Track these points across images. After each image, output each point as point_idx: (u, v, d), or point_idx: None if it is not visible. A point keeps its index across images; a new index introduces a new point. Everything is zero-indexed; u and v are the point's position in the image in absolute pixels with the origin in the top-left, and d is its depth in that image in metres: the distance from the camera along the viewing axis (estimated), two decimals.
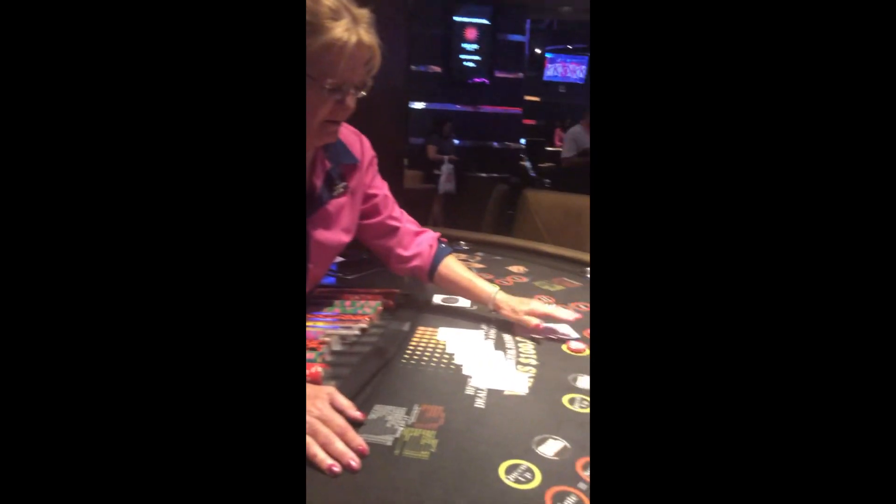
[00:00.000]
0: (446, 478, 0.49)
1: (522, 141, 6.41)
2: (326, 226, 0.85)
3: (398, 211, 1.00)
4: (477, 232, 1.66)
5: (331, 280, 1.15)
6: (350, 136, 0.90)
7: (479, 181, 4.29)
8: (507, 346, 0.81)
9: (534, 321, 0.85)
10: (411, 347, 0.79)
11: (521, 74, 6.31)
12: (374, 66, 0.72)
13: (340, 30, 0.65)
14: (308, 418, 0.54)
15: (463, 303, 1.01)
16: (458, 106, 5.81)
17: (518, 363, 0.75)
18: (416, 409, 0.61)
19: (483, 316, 0.94)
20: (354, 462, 0.50)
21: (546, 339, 0.85)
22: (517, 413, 0.62)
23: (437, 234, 1.01)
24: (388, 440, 0.55)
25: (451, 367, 0.74)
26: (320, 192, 0.82)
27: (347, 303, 0.93)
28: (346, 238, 0.89)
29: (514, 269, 1.29)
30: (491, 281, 0.95)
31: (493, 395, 0.66)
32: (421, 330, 0.86)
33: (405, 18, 2.09)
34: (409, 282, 1.14)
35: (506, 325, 0.89)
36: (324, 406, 0.56)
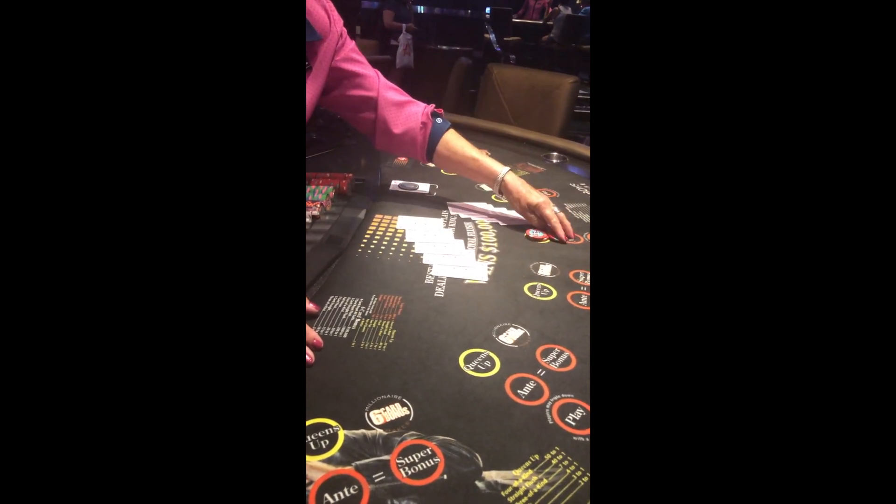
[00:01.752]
0: (405, 368, 0.48)
1: (487, 10, 5.84)
2: None
3: (380, 80, 0.85)
4: None
5: None
6: (314, 6, 0.75)
7: (440, 54, 3.97)
8: (467, 234, 0.79)
9: (534, 221, 0.82)
10: (367, 236, 0.75)
11: None
12: None
13: None
14: None
15: (422, 189, 0.96)
16: None
17: (479, 251, 0.73)
18: (373, 300, 0.59)
19: (443, 203, 0.89)
20: (309, 356, 0.48)
21: (510, 227, 0.82)
22: (477, 302, 0.61)
23: (431, 107, 0.87)
24: (344, 332, 0.53)
25: (410, 256, 0.71)
26: None
27: None
28: None
29: None
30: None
31: (453, 283, 0.64)
32: (378, 218, 0.81)
33: None
34: (364, 165, 1.06)
35: (467, 213, 0.86)
36: None
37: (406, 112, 0.85)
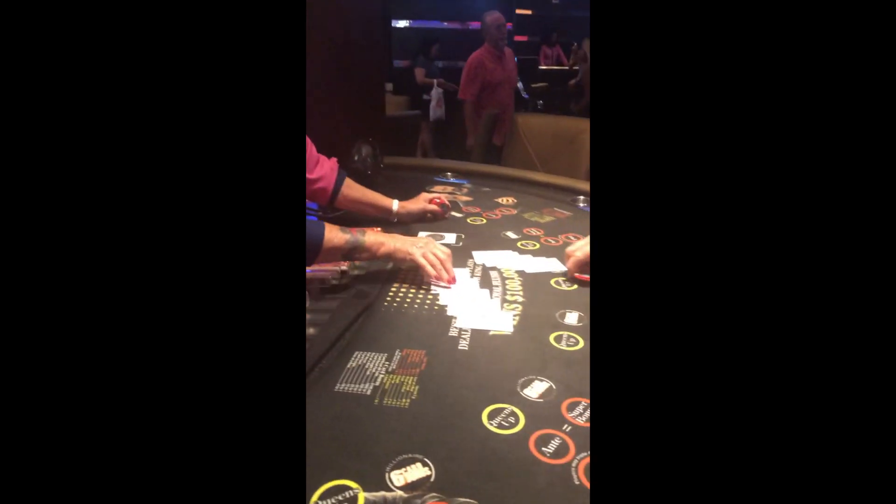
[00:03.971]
0: (427, 426, 0.48)
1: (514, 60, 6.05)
2: None
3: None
4: (465, 161, 1.59)
5: (312, 219, 1.11)
6: None
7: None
8: (493, 283, 0.79)
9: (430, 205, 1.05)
10: (394, 288, 0.77)
11: None
12: None
13: None
14: (425, 251, 0.77)
15: (448, 240, 0.98)
16: (444, 23, 5.42)
17: (504, 300, 0.73)
18: (397, 355, 0.60)
19: (468, 252, 0.91)
20: (450, 278, 0.74)
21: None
22: (502, 354, 0.60)
23: (335, 160, 1.03)
24: (367, 389, 0.54)
25: (435, 307, 0.71)
26: None
27: None
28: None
29: (502, 200, 1.24)
30: (478, 214, 1.08)
31: (478, 336, 0.64)
32: (405, 270, 0.83)
33: None
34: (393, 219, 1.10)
35: (491, 262, 0.86)
36: (435, 248, 0.78)
37: (321, 162, 1.01)
